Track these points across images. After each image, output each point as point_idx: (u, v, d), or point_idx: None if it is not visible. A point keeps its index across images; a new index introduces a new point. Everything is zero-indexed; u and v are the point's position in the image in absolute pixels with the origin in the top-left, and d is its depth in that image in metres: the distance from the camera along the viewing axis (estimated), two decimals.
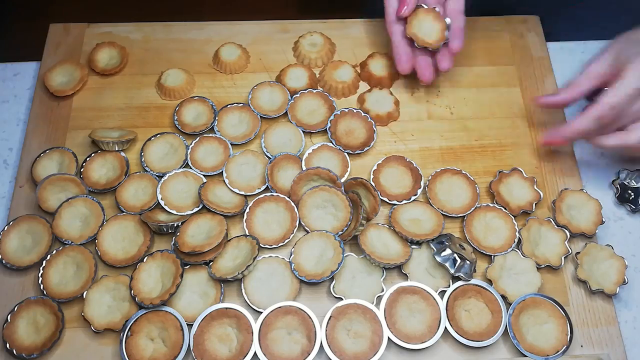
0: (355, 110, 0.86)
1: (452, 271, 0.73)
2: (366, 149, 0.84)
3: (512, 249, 0.77)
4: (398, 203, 0.80)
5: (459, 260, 0.73)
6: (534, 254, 0.76)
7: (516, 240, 0.77)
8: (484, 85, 0.92)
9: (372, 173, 0.82)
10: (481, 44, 0.95)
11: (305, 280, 0.73)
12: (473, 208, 0.79)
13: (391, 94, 0.89)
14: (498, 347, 0.72)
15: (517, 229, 0.78)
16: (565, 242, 0.77)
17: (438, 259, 0.74)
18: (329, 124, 0.85)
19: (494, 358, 0.72)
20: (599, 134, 0.76)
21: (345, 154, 0.84)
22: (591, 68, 0.78)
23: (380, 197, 0.79)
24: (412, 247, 0.77)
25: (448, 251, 0.74)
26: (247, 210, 0.78)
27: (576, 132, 0.77)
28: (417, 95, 0.91)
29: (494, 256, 0.76)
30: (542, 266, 0.76)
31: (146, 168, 0.82)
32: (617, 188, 0.83)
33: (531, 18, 0.98)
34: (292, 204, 0.78)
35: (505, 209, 0.79)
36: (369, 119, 0.86)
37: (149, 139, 0.84)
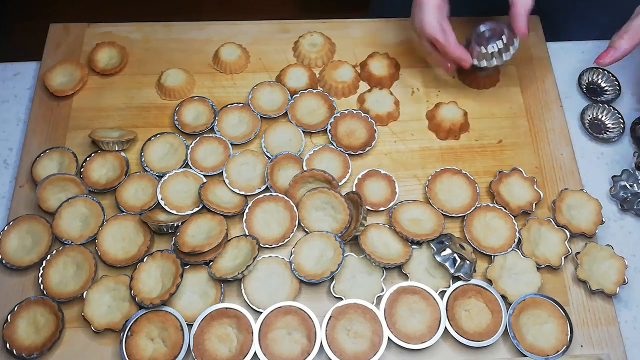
0: (355, 111, 0.86)
1: (452, 271, 0.73)
2: (367, 149, 0.84)
3: (512, 249, 0.77)
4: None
5: (458, 260, 0.73)
6: (534, 254, 0.76)
7: (516, 240, 0.77)
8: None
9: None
10: None
11: (305, 280, 0.73)
12: (473, 208, 0.79)
13: (391, 93, 0.89)
14: (498, 347, 0.72)
15: (517, 229, 0.78)
16: (565, 242, 0.77)
17: (438, 258, 0.74)
18: (329, 127, 0.85)
19: (494, 358, 0.72)
20: None
21: (346, 155, 0.84)
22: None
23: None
24: (413, 247, 0.77)
25: (448, 251, 0.74)
26: (247, 210, 0.78)
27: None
28: (417, 95, 0.91)
29: (494, 256, 0.76)
30: (542, 266, 0.76)
31: (146, 168, 0.82)
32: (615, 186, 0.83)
33: (531, 18, 0.97)
34: (292, 202, 0.78)
35: (505, 209, 0.79)
36: (370, 119, 0.86)
37: (149, 139, 0.84)
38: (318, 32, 0.94)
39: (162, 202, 0.78)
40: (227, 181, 0.80)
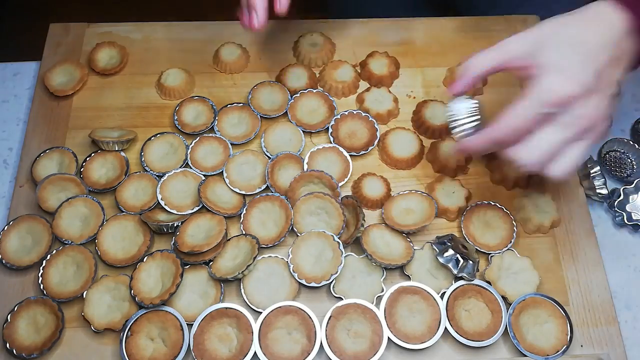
0: (355, 112, 0.86)
1: (455, 272, 0.73)
2: (370, 148, 0.84)
3: (508, 249, 0.77)
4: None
5: (461, 261, 0.73)
6: None
7: (512, 241, 0.77)
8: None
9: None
10: (481, 44, 0.95)
11: (305, 283, 0.73)
12: (470, 206, 0.79)
13: (389, 91, 0.89)
14: (498, 347, 0.72)
15: (515, 230, 0.78)
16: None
17: (441, 260, 0.74)
18: (330, 129, 0.85)
19: (494, 358, 0.72)
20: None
21: (347, 156, 0.83)
22: (506, 45, 0.67)
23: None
24: (415, 248, 0.76)
25: (450, 252, 0.74)
26: (244, 211, 0.78)
27: (472, 151, 0.68)
28: (417, 94, 0.91)
29: (491, 256, 0.76)
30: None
31: (146, 168, 0.82)
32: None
33: (531, 18, 0.98)
34: (287, 201, 0.78)
35: (505, 208, 0.79)
36: (370, 119, 0.86)
37: (149, 139, 0.84)
38: (318, 32, 0.94)
39: (162, 202, 0.78)
40: (227, 181, 0.80)
